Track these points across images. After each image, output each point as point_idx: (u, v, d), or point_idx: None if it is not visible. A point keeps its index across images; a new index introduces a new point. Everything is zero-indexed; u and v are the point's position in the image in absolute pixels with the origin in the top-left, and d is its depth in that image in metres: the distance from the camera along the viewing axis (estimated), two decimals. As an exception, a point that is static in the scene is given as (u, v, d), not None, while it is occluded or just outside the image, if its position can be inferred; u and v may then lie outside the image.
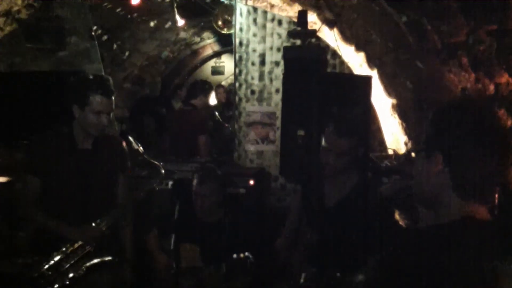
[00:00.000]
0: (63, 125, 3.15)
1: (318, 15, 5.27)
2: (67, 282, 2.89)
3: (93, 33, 5.57)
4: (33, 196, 3.08)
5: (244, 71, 5.68)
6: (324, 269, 2.93)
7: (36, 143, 3.15)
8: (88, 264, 2.97)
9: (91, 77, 3.10)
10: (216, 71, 11.50)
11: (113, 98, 3.06)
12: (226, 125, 6.76)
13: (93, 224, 3.04)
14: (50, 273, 2.87)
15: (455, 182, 1.59)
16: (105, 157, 3.20)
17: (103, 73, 5.68)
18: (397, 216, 3.99)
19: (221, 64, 11.44)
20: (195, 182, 3.58)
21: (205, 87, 6.28)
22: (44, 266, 2.87)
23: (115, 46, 7.51)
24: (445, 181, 1.60)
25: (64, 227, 3.02)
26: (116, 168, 3.28)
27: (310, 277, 3.02)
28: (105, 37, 6.94)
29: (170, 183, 4.49)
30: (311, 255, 3.09)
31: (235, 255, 3.14)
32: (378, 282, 2.58)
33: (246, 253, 3.13)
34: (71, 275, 2.91)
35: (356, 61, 5.32)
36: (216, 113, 6.68)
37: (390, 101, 4.85)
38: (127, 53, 8.07)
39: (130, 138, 3.27)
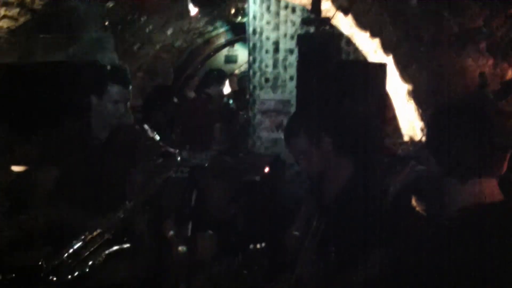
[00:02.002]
0: (80, 116, 3.17)
1: (332, 2, 5.22)
2: (87, 270, 2.91)
3: (107, 23, 5.57)
4: (49, 186, 3.11)
5: (258, 59, 5.67)
6: (328, 259, 2.90)
7: (52, 134, 3.18)
8: (107, 251, 2.98)
9: (108, 66, 3.12)
10: (229, 59, 11.47)
11: (130, 87, 3.08)
12: (241, 112, 6.74)
13: (111, 214, 3.05)
14: (70, 261, 2.89)
15: (450, 167, 1.55)
16: (122, 147, 3.22)
17: (118, 63, 5.69)
18: (414, 203, 3.97)
19: (234, 53, 11.40)
20: (208, 175, 3.58)
21: (219, 76, 6.27)
22: (64, 254, 2.89)
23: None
24: (437, 171, 1.59)
25: (81, 217, 3.03)
26: (132, 157, 3.30)
27: (311, 265, 3.00)
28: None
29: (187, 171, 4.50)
30: (317, 244, 3.07)
31: (251, 246, 3.13)
32: (385, 276, 2.56)
33: (262, 244, 3.12)
34: (90, 262, 2.93)
35: (370, 48, 5.28)
36: (231, 102, 6.67)
37: (405, 87, 4.81)
38: (139, 43, 8.06)
39: (146, 127, 3.28)
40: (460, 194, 1.55)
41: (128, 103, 3.12)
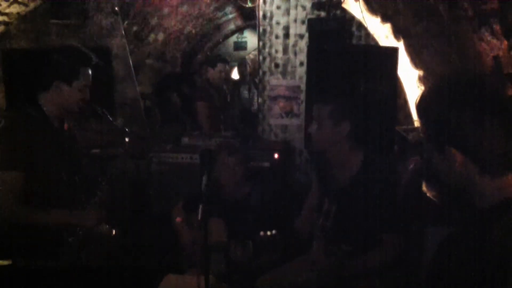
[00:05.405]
0: (33, 106, 2.83)
1: (343, -15, 5.17)
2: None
3: (116, 8, 5.56)
4: (17, 193, 2.67)
5: (268, 44, 5.64)
6: (337, 243, 2.89)
7: (8, 131, 2.72)
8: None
9: (81, 49, 2.84)
10: (239, 46, 11.43)
11: (89, 71, 2.84)
12: (229, 99, 6.76)
13: (88, 205, 2.90)
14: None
15: (480, 164, 1.49)
16: (76, 135, 3.10)
17: (127, 49, 5.69)
18: (424, 189, 3.94)
19: (244, 39, 11.36)
20: (217, 159, 3.56)
21: (215, 61, 6.23)
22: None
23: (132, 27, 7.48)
24: (470, 168, 1.51)
25: (61, 215, 2.75)
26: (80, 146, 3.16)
27: (321, 249, 2.99)
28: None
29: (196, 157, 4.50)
30: (328, 227, 3.07)
31: (262, 233, 3.13)
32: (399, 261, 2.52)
33: (274, 231, 3.12)
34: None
35: (382, 33, 5.23)
36: (225, 87, 6.63)
37: (416, 73, 4.77)
38: (149, 29, 8.04)
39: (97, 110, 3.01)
40: (492, 189, 1.49)
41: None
